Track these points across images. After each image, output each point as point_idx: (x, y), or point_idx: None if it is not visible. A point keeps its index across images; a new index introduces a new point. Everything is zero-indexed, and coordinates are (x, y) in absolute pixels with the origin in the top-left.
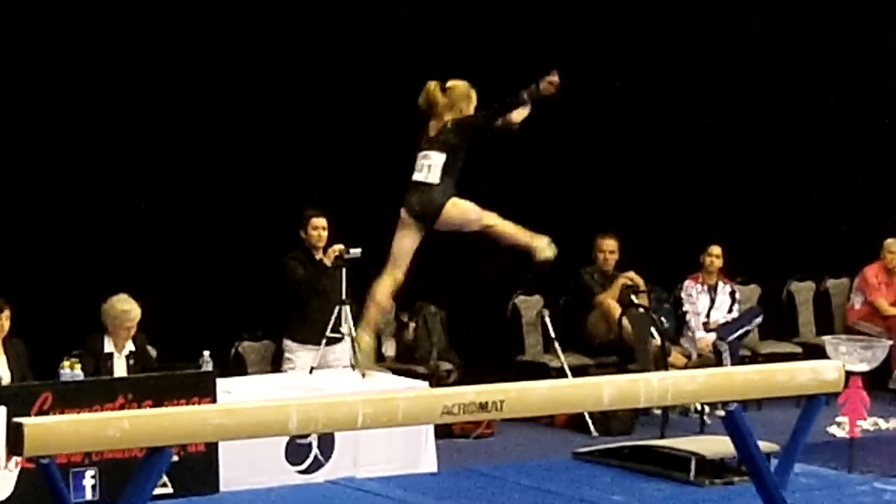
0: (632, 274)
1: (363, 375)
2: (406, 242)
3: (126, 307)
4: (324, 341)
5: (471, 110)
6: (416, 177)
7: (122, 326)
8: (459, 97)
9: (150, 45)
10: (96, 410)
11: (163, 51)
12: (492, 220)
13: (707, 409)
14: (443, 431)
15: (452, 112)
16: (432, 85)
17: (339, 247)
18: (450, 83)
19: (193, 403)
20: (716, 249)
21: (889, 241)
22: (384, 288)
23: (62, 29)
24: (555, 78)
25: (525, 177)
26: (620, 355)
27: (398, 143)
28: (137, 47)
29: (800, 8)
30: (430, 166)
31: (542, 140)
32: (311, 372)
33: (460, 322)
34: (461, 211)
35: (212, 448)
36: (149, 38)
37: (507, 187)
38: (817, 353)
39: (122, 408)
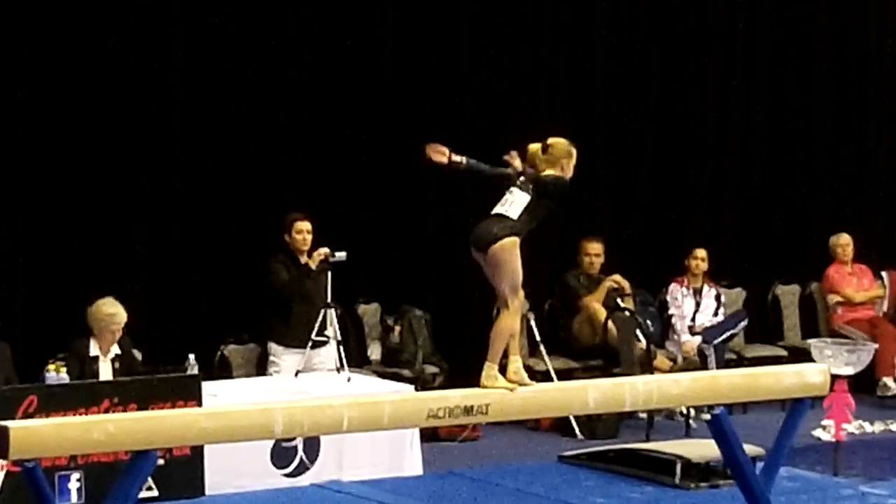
0: (617, 277)
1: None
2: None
3: (112, 311)
4: (309, 345)
5: (571, 168)
6: (497, 209)
7: (107, 330)
8: (560, 154)
9: (136, 51)
10: (81, 414)
11: (147, 57)
12: (515, 308)
13: (692, 412)
14: (428, 435)
15: (553, 168)
16: (534, 148)
17: (324, 250)
18: (551, 140)
19: (179, 407)
20: (701, 252)
21: (832, 238)
22: (502, 336)
23: (48, 35)
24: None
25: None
26: (606, 359)
27: (382, 147)
28: (123, 54)
29: (784, 12)
30: (512, 202)
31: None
32: (296, 375)
33: (445, 325)
34: (513, 257)
35: (197, 451)
36: (133, 45)
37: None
38: (802, 356)
39: (107, 411)
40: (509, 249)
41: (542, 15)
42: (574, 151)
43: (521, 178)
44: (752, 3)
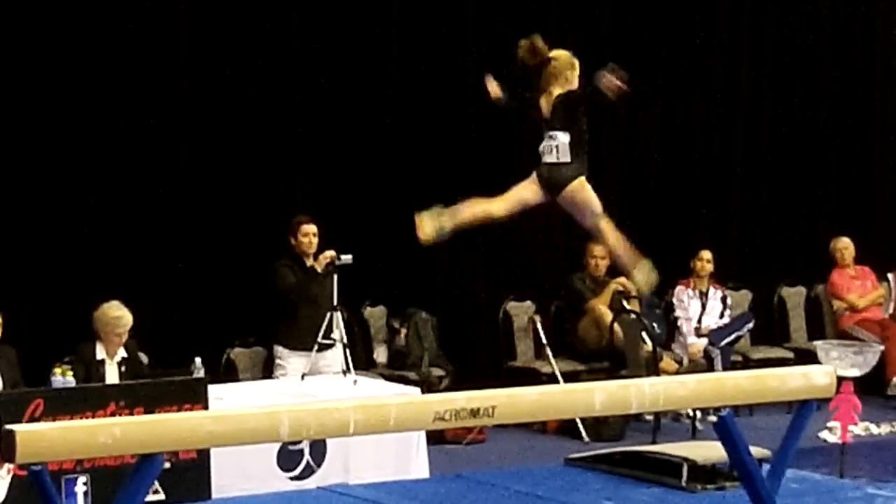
0: (623, 279)
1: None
2: (525, 194)
3: (118, 314)
4: (315, 347)
5: (575, 79)
6: (547, 159)
7: (113, 332)
8: (564, 66)
9: (141, 56)
10: (88, 417)
11: (153, 62)
12: (607, 221)
13: (699, 414)
14: (434, 437)
15: (559, 82)
16: (524, 44)
17: (330, 253)
18: (553, 53)
19: (185, 410)
20: (707, 254)
21: (833, 241)
22: (477, 205)
23: (50, 36)
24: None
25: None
26: (612, 361)
27: (388, 150)
28: (128, 60)
29: (789, 18)
30: (557, 146)
31: (533, 146)
32: (302, 378)
33: (452, 328)
34: (587, 192)
35: (203, 455)
36: (139, 51)
37: (499, 192)
38: (809, 358)
39: (113, 415)
40: (579, 190)
41: (546, 18)
42: (576, 63)
43: (546, 122)
44: (756, 11)
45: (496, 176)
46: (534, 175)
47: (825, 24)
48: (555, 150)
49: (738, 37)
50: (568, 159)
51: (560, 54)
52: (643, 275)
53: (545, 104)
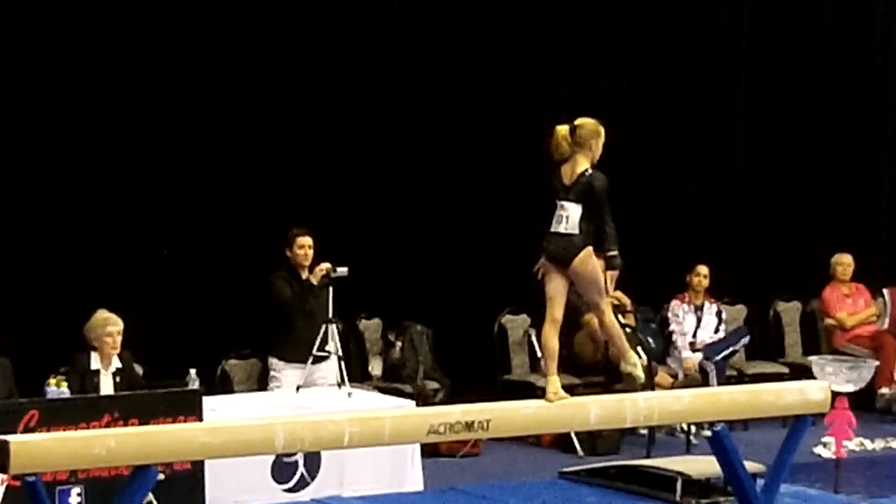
0: (618, 294)
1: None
2: (553, 285)
3: (105, 316)
4: (310, 360)
5: (600, 147)
6: (555, 228)
7: (105, 335)
8: (589, 135)
9: (138, 66)
10: (82, 428)
11: (150, 71)
12: (607, 305)
13: (693, 429)
14: (429, 450)
15: (583, 151)
16: (563, 131)
17: (326, 265)
18: (578, 121)
19: (180, 421)
20: (703, 269)
21: (835, 256)
22: (549, 334)
23: (45, 46)
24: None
25: (512, 195)
26: (607, 375)
27: (384, 163)
28: (125, 71)
29: (789, 26)
30: (567, 217)
31: (529, 158)
32: (297, 390)
33: (447, 341)
34: (593, 264)
35: (198, 466)
36: (136, 61)
37: (495, 206)
38: (804, 373)
39: (108, 426)
40: (586, 260)
41: (545, 29)
42: (602, 130)
43: (564, 190)
44: (755, 23)
45: (493, 190)
46: (544, 263)
47: (823, 38)
48: (564, 221)
49: (735, 50)
50: (574, 231)
51: (585, 122)
52: (634, 368)
53: (567, 172)
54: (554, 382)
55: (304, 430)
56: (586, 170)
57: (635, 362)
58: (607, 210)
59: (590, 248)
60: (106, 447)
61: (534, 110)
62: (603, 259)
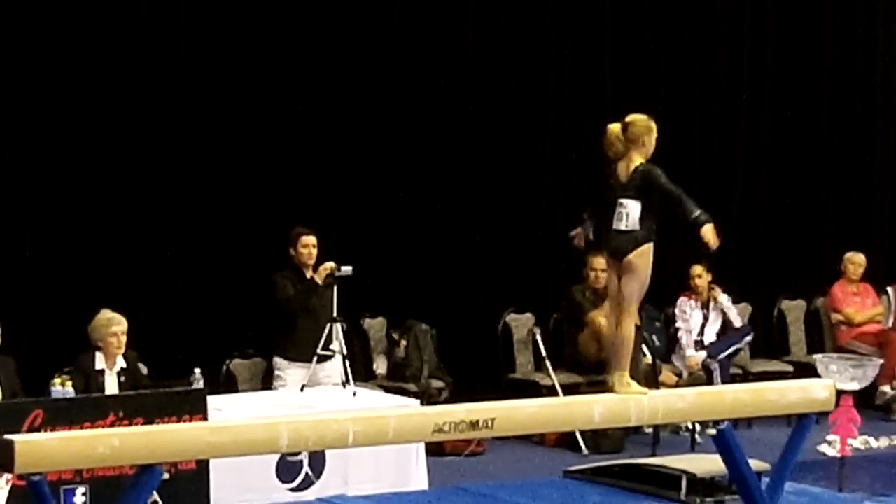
0: None
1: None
2: (614, 282)
3: (109, 315)
4: (315, 359)
5: (653, 143)
6: (617, 225)
7: (109, 335)
8: (641, 131)
9: (141, 67)
10: (87, 428)
11: (153, 70)
12: (635, 313)
13: (698, 427)
14: (433, 449)
15: (636, 147)
16: (615, 129)
17: (330, 265)
18: (629, 118)
19: (184, 421)
20: (698, 269)
21: (848, 254)
22: (630, 328)
23: (48, 47)
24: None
25: (516, 194)
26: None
27: (387, 162)
28: (127, 72)
29: (791, 27)
30: (627, 214)
31: (533, 157)
32: (301, 390)
33: (451, 340)
34: (647, 264)
35: (202, 465)
36: (138, 61)
37: (499, 204)
38: (808, 371)
39: (112, 425)
40: (643, 255)
41: (547, 28)
42: (654, 126)
43: (621, 188)
44: (757, 22)
45: (496, 190)
46: (606, 259)
47: (826, 37)
48: (624, 218)
49: (738, 49)
50: (637, 227)
51: (636, 119)
52: (625, 388)
53: (623, 170)
54: (624, 375)
55: (308, 429)
56: (640, 164)
57: (629, 383)
58: (672, 187)
59: (650, 245)
60: (110, 447)
61: (536, 110)
62: (694, 226)
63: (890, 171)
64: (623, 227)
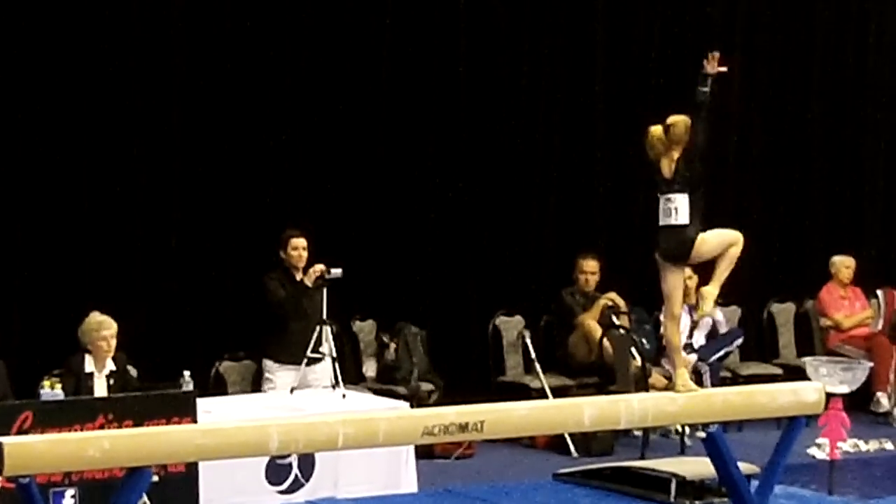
0: (613, 295)
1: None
2: (669, 282)
3: (99, 319)
4: (304, 361)
5: (688, 139)
6: (665, 221)
7: (99, 339)
8: (683, 132)
9: (133, 68)
10: (76, 430)
11: (145, 72)
12: (737, 240)
13: (688, 430)
14: (423, 452)
15: (677, 147)
16: (657, 132)
17: (320, 267)
18: (670, 120)
19: (174, 423)
20: (686, 272)
21: (835, 257)
22: (672, 330)
23: (43, 47)
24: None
25: (507, 197)
26: (601, 376)
27: (378, 164)
28: (119, 72)
29: (782, 30)
30: (675, 209)
31: (524, 160)
32: (291, 392)
33: (441, 342)
34: (710, 247)
35: (192, 468)
36: (130, 62)
37: (489, 207)
38: (798, 374)
39: (102, 428)
40: (701, 245)
41: (539, 26)
42: (690, 123)
43: (666, 184)
44: (748, 28)
45: (486, 191)
46: (658, 260)
47: (816, 40)
48: (673, 213)
49: (729, 52)
50: (685, 221)
51: (677, 121)
52: (681, 380)
53: (667, 166)
54: (682, 375)
55: (298, 431)
56: (680, 158)
57: (684, 382)
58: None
59: (703, 236)
60: (100, 449)
61: (527, 113)
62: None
63: (880, 175)
64: (672, 223)
